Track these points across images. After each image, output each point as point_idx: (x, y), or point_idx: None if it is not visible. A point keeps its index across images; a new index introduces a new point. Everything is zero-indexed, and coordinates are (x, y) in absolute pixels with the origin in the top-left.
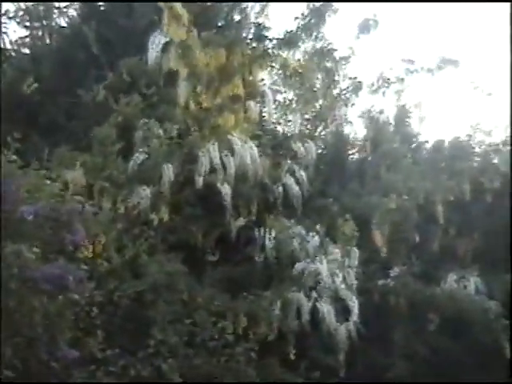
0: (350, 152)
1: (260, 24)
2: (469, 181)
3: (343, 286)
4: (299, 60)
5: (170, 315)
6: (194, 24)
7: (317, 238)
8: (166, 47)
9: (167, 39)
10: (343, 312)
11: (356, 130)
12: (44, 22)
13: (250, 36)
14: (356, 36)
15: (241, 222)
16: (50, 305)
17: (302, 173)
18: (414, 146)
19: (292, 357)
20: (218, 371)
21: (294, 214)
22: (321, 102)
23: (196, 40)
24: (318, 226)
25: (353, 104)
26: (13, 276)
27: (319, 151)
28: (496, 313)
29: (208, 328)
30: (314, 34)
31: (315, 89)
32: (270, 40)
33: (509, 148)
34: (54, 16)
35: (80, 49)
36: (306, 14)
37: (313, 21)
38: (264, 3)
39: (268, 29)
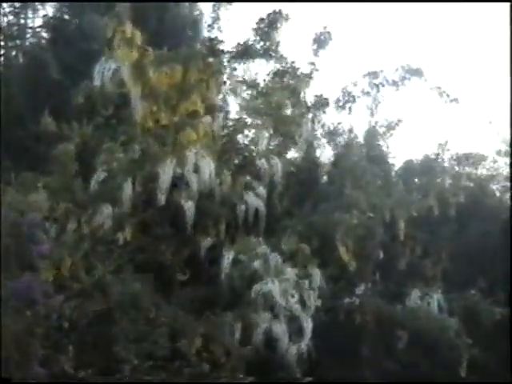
0: (319, 171)
1: (213, 38)
2: (436, 197)
3: (297, 306)
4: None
5: (133, 334)
6: (148, 43)
7: (278, 258)
8: (117, 70)
9: (117, 64)
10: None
11: (324, 147)
12: (17, 42)
13: (204, 51)
14: (314, 51)
15: (208, 241)
16: (19, 322)
17: (263, 190)
18: (383, 165)
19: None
20: None
21: (259, 232)
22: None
23: (150, 59)
24: (283, 246)
25: (319, 121)
26: None
27: (288, 170)
28: (456, 331)
29: (167, 347)
30: (268, 44)
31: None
32: (225, 53)
33: None
34: (27, 36)
35: (46, 70)
36: (257, 24)
37: (265, 29)
38: (215, 16)
39: (221, 42)
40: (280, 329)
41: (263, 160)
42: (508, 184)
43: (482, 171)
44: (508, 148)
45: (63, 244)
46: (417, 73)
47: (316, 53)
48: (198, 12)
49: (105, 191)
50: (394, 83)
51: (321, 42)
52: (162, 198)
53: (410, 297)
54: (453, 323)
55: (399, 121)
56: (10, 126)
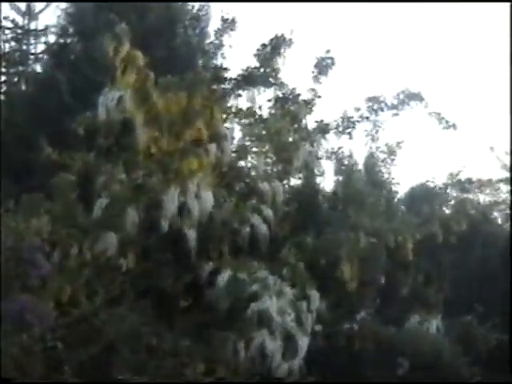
0: (319, 197)
1: (217, 65)
2: (439, 224)
3: (293, 324)
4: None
5: (134, 363)
6: (155, 69)
7: (277, 279)
8: (120, 98)
9: (121, 92)
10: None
11: (324, 173)
12: (20, 68)
13: (208, 77)
14: (315, 77)
15: (210, 266)
16: (14, 344)
17: (269, 212)
18: (384, 191)
19: None
20: None
21: (260, 255)
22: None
23: (153, 85)
24: (284, 270)
25: (320, 144)
26: None
27: (289, 196)
28: (453, 354)
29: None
30: (269, 70)
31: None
32: (229, 80)
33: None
34: (30, 62)
35: (51, 96)
36: (259, 50)
37: (268, 55)
38: (218, 43)
39: (226, 70)
40: (273, 345)
41: (265, 183)
42: (509, 211)
43: (484, 197)
44: (508, 174)
45: (64, 270)
46: (417, 97)
47: (317, 79)
48: (208, 41)
49: (107, 218)
50: (394, 107)
51: (322, 67)
52: (165, 226)
53: (409, 321)
54: (448, 346)
55: (399, 144)
56: (13, 151)
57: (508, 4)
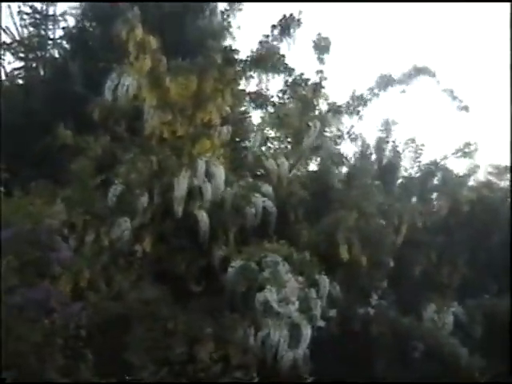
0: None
1: (227, 47)
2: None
3: (297, 313)
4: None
5: (148, 342)
6: (165, 53)
7: (286, 266)
8: (131, 82)
9: (130, 77)
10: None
11: (338, 155)
12: (38, 54)
13: (219, 60)
14: (319, 58)
15: (223, 250)
16: (36, 331)
17: (268, 188)
18: (394, 173)
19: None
20: None
21: (271, 238)
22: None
23: (165, 69)
24: (294, 255)
25: (330, 125)
26: None
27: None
28: (467, 361)
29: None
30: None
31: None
32: (240, 62)
33: None
34: (48, 47)
35: (68, 82)
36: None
37: (278, 36)
38: (227, 24)
39: (237, 51)
40: (278, 335)
41: (271, 160)
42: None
43: (504, 183)
44: None
45: (82, 256)
46: (428, 72)
47: (321, 60)
48: (217, 23)
49: (123, 203)
50: (404, 82)
51: (321, 47)
52: (178, 210)
53: (426, 310)
54: (464, 354)
55: (410, 140)
56: (31, 136)
57: (508, 4)
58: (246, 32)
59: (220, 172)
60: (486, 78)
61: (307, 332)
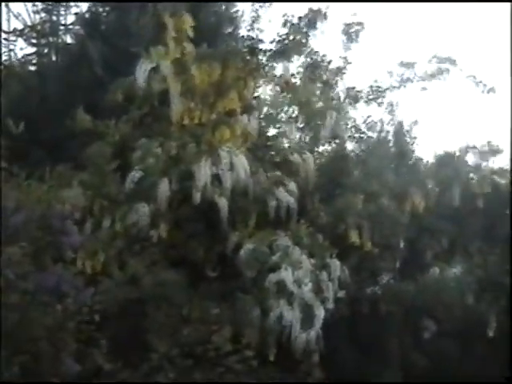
0: (349, 166)
1: (253, 37)
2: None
3: (311, 294)
4: (293, 74)
5: (166, 328)
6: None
7: (297, 249)
8: (156, 68)
9: (156, 62)
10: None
11: (355, 141)
12: (50, 40)
13: (243, 49)
14: (345, 44)
15: (236, 235)
16: (50, 316)
17: (293, 185)
18: (409, 159)
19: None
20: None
21: (288, 227)
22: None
23: (192, 56)
24: (304, 239)
25: (346, 112)
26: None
27: (319, 165)
28: (476, 292)
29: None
30: (306, 42)
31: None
32: (264, 52)
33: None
34: (60, 33)
35: (84, 67)
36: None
37: (304, 29)
38: (256, 16)
39: (261, 41)
40: (291, 315)
41: (296, 155)
42: None
43: None
44: None
45: (97, 240)
46: (450, 61)
47: (347, 46)
48: (235, 9)
49: (140, 189)
50: (432, 76)
51: (351, 34)
52: (197, 197)
53: (429, 275)
54: (468, 282)
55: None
56: (46, 121)
57: (508, 4)
58: (272, 23)
59: (241, 161)
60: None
61: (320, 313)
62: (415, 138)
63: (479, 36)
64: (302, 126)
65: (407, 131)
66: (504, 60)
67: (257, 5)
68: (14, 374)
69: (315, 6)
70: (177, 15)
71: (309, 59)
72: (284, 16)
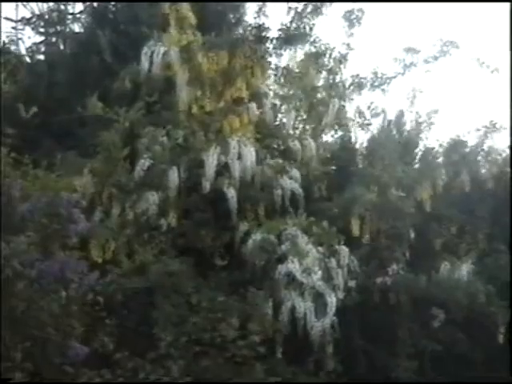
0: (355, 155)
1: (260, 25)
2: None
3: (320, 283)
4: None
5: (174, 317)
6: (197, 27)
7: (305, 238)
8: (164, 55)
9: (165, 48)
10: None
11: (361, 128)
12: (58, 28)
13: (250, 37)
14: (348, 31)
15: (245, 225)
16: (55, 302)
17: (297, 172)
18: (417, 149)
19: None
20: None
21: (296, 216)
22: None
23: (200, 44)
24: (313, 228)
25: (351, 99)
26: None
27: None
28: (487, 295)
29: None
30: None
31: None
32: (271, 40)
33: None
34: (68, 22)
35: (93, 55)
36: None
37: (309, 14)
38: (262, 3)
39: (268, 29)
40: (304, 306)
41: (296, 142)
42: None
43: None
44: None
45: (107, 228)
46: (453, 45)
47: (350, 32)
48: None
49: (149, 177)
50: (434, 59)
51: (353, 20)
52: (206, 185)
53: (440, 270)
54: (480, 287)
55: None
56: (55, 109)
57: (508, 4)
58: (277, 9)
59: (249, 150)
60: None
61: (332, 300)
62: (426, 126)
63: (482, 17)
64: (305, 115)
65: (419, 122)
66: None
67: None
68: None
69: None
70: (177, 5)
71: (312, 47)
72: (289, 3)
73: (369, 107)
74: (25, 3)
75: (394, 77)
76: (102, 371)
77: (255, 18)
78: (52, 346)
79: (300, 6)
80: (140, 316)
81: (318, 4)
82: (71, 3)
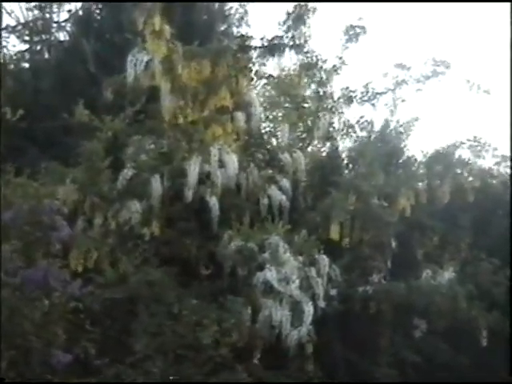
0: (341, 165)
1: (243, 35)
2: (451, 185)
3: (298, 292)
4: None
5: (152, 327)
6: (177, 38)
7: (286, 246)
8: (148, 64)
9: (149, 57)
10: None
11: (348, 139)
12: (43, 37)
13: (234, 47)
14: (343, 45)
15: (229, 234)
16: (37, 310)
17: (286, 183)
18: (399, 158)
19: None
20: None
21: (279, 225)
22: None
23: (179, 54)
24: (295, 237)
25: (341, 112)
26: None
27: (312, 165)
28: (468, 298)
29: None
30: (296, 37)
31: (306, 103)
32: (254, 49)
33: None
34: (53, 30)
35: (78, 64)
36: (285, 18)
37: (292, 24)
38: (243, 12)
39: (251, 38)
40: (280, 314)
41: (286, 154)
42: None
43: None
44: None
45: (89, 237)
46: (445, 65)
47: (345, 46)
48: (228, 6)
49: (132, 186)
50: (424, 77)
51: (352, 35)
52: (189, 194)
53: (421, 277)
54: (461, 290)
55: (417, 118)
56: (40, 117)
57: (508, 4)
58: (261, 19)
59: (232, 159)
60: (485, 78)
61: (309, 309)
62: (407, 135)
63: (476, 38)
64: (294, 125)
65: (400, 132)
66: (501, 61)
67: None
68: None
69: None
70: (150, 17)
71: (304, 58)
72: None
73: (358, 121)
74: (9, 11)
75: (385, 92)
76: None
77: (237, 26)
78: (35, 354)
79: (283, 15)
80: (121, 325)
81: (301, 12)
82: (56, 12)
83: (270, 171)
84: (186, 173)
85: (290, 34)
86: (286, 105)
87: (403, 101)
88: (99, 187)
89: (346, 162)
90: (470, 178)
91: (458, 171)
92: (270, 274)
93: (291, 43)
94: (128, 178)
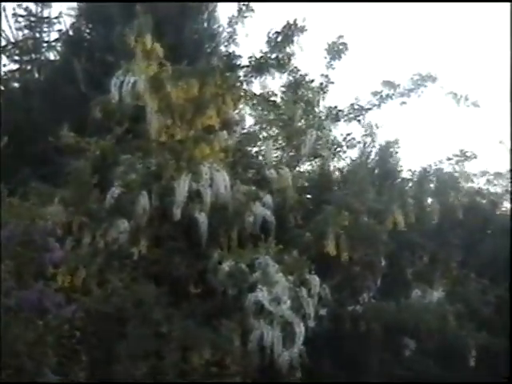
0: (331, 184)
1: (230, 53)
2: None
3: (289, 312)
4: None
5: (139, 350)
6: (166, 57)
7: (276, 266)
8: (134, 84)
9: (135, 78)
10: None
11: (336, 159)
12: (33, 56)
13: (221, 66)
14: (328, 63)
15: (219, 253)
16: (30, 332)
17: (269, 198)
18: (393, 178)
19: None
20: None
21: (268, 244)
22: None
23: (168, 74)
24: (285, 257)
25: (329, 130)
26: None
27: (301, 184)
28: (457, 317)
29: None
30: (282, 56)
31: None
32: (242, 68)
33: None
34: (43, 50)
35: (68, 83)
36: (273, 37)
37: (281, 43)
38: (232, 31)
39: (239, 57)
40: (272, 335)
41: (272, 170)
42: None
43: (495, 189)
44: None
45: (77, 257)
46: (432, 79)
47: (330, 64)
48: (216, 25)
49: (120, 205)
50: (410, 91)
51: (335, 52)
52: (177, 213)
53: (411, 296)
54: (451, 309)
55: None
56: (31, 137)
57: (508, 4)
58: (250, 37)
59: (221, 177)
60: (485, 79)
61: (301, 330)
62: (398, 157)
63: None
64: (283, 144)
65: (392, 152)
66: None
67: (233, 20)
68: None
69: (292, 18)
70: (141, 37)
71: (291, 77)
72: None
73: (344, 138)
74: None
75: (370, 108)
76: None
77: (225, 45)
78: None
79: (272, 34)
80: (109, 347)
81: (289, 32)
82: (46, 31)
83: (254, 188)
84: (175, 191)
85: (275, 54)
86: (274, 123)
87: (389, 116)
88: (87, 206)
89: (336, 179)
90: (459, 197)
91: (447, 189)
92: (262, 295)
93: (276, 62)
94: (116, 196)
